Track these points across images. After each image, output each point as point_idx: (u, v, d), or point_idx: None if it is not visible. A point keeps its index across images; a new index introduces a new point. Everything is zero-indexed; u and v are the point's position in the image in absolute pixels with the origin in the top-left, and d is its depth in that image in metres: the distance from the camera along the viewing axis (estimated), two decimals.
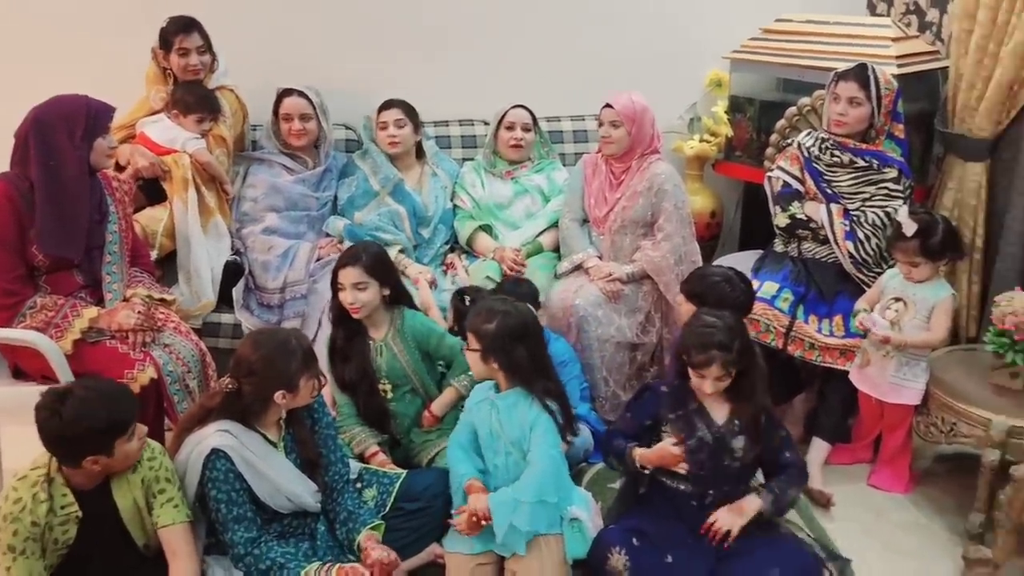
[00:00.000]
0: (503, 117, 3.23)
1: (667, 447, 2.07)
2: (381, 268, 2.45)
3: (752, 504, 2.05)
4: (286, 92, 3.12)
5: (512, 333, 2.10)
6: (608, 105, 2.94)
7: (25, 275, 2.35)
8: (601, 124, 2.97)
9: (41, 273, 2.38)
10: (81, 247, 2.36)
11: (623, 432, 2.19)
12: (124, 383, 1.95)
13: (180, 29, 2.94)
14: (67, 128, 2.30)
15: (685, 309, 2.36)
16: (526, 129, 3.23)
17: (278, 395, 1.99)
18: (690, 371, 2.06)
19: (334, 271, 2.46)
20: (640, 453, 2.11)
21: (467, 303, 2.57)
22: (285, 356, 1.99)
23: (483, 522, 2.04)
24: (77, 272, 2.42)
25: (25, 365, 2.40)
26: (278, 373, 1.98)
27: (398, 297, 2.55)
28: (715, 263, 3.36)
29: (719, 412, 2.10)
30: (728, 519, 2.03)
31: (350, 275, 2.40)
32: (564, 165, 3.39)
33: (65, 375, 2.28)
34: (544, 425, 2.12)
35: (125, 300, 2.46)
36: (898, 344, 2.49)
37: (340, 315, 2.49)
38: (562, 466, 2.17)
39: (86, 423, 1.75)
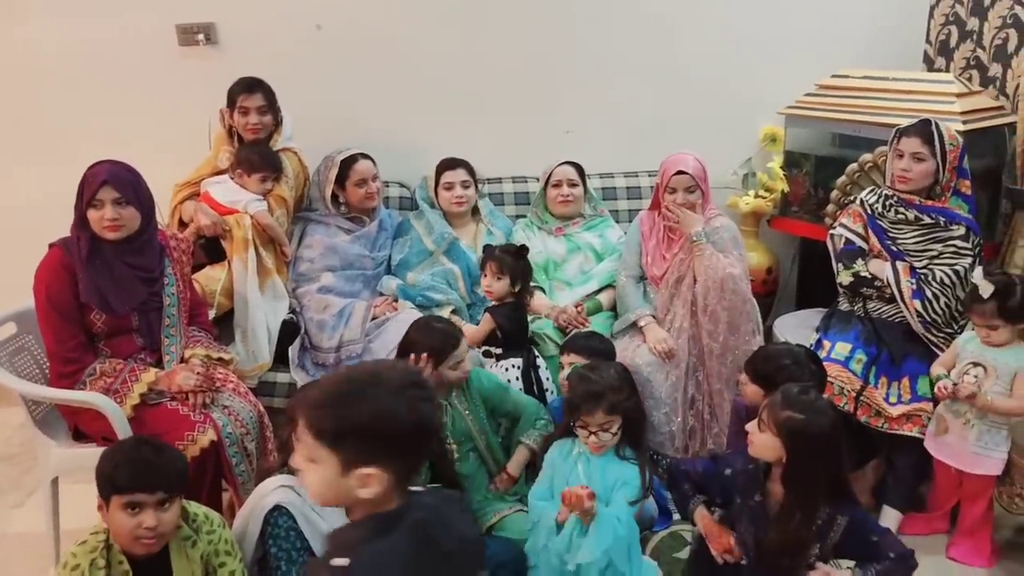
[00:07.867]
0: (550, 176, 3.23)
1: (729, 540, 2.03)
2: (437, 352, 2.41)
3: None
4: (353, 158, 3.12)
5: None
6: (681, 172, 2.90)
7: (84, 343, 2.36)
8: (673, 191, 2.93)
9: (101, 338, 2.38)
10: (121, 303, 2.36)
11: (692, 479, 2.16)
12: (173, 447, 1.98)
13: (243, 89, 2.99)
14: (78, 195, 2.34)
15: (750, 391, 2.27)
16: (572, 184, 3.23)
17: None
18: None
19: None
20: (702, 517, 2.11)
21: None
22: None
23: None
24: (136, 335, 2.43)
25: (86, 427, 2.39)
26: None
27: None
28: (776, 320, 3.31)
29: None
30: None
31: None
32: (618, 222, 3.37)
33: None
34: (633, 483, 2.18)
35: (183, 361, 2.46)
36: (983, 406, 2.37)
37: None
38: (635, 534, 2.12)
39: None
